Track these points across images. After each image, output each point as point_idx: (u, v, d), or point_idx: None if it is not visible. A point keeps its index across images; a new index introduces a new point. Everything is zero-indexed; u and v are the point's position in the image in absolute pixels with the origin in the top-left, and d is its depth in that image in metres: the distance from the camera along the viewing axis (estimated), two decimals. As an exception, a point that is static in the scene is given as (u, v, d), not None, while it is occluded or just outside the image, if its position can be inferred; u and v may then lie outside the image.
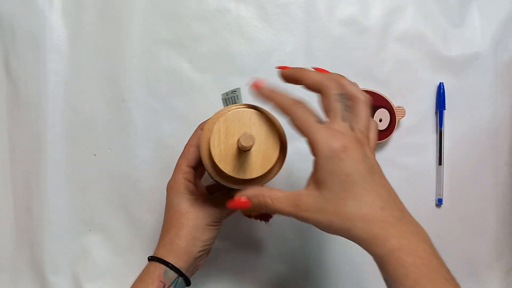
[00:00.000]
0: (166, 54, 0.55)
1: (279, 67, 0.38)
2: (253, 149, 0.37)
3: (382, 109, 0.54)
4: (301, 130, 0.33)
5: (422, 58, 0.56)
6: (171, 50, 0.55)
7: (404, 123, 0.56)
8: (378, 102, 0.54)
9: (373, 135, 0.36)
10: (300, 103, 0.34)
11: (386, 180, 0.34)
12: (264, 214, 0.48)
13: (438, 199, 0.56)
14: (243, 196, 0.36)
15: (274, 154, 0.38)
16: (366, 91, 0.54)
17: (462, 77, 0.56)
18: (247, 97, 0.51)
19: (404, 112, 0.55)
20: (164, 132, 0.55)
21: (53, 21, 0.55)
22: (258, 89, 0.36)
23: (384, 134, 0.54)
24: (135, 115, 0.55)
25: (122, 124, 0.55)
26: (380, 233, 0.31)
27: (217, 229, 0.44)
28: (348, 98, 0.34)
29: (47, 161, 0.55)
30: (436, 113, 0.57)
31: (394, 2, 0.56)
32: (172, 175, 0.44)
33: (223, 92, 0.43)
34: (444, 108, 0.56)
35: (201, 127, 0.45)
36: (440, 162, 0.56)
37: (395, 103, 0.55)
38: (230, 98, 0.42)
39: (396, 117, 0.54)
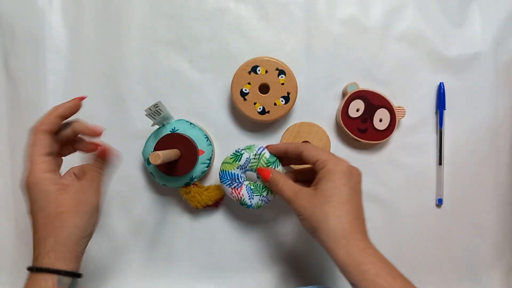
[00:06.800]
0: (166, 54, 0.55)
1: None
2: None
3: (382, 109, 0.54)
4: (314, 155, 0.43)
5: (422, 58, 0.56)
6: (171, 50, 0.55)
7: (404, 123, 0.56)
8: (378, 102, 0.54)
9: None
10: (307, 143, 0.47)
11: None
12: (212, 204, 0.54)
13: (438, 199, 0.56)
14: (270, 172, 0.47)
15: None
16: (366, 91, 0.54)
17: (462, 77, 0.56)
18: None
19: (404, 112, 0.55)
20: (164, 132, 0.55)
21: (52, 21, 0.55)
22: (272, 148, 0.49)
23: (384, 134, 0.54)
24: (135, 115, 0.55)
25: (122, 124, 0.55)
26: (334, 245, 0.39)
27: (98, 215, 0.40)
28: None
29: (47, 161, 0.54)
30: (436, 113, 0.57)
31: (394, 2, 0.56)
32: (28, 171, 0.38)
33: (145, 108, 0.44)
34: (444, 108, 0.56)
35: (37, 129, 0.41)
36: (440, 162, 0.56)
37: (395, 103, 0.54)
38: (154, 113, 0.45)
39: (396, 117, 0.54)
